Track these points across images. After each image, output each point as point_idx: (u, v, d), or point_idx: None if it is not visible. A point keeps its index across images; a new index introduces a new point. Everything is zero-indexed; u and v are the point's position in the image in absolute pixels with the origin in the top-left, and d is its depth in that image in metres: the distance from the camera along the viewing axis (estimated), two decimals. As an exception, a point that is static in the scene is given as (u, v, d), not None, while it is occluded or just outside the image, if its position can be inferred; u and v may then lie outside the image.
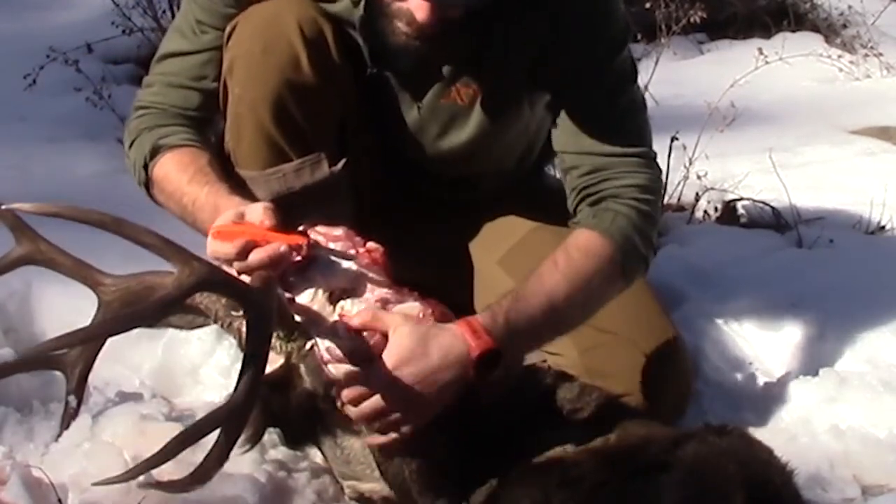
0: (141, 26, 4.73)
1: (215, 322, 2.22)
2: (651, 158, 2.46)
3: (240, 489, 2.23)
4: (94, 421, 2.37)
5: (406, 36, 2.29)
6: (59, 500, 2.19)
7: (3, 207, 2.01)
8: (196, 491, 2.19)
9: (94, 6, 5.24)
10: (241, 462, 2.30)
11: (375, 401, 2.10)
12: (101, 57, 4.86)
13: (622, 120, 2.43)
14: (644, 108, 2.50)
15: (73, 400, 2.28)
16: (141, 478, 1.97)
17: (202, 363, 2.73)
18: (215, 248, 2.11)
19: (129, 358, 2.73)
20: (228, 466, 2.26)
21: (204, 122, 2.48)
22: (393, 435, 2.14)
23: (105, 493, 2.22)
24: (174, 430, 2.28)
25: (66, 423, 2.33)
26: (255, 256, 2.08)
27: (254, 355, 1.96)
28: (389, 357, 2.09)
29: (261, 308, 1.98)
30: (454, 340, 2.12)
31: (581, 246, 2.31)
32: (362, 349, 2.10)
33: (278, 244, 2.09)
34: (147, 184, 2.41)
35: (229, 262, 2.10)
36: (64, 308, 2.74)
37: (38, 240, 2.14)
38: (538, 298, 2.22)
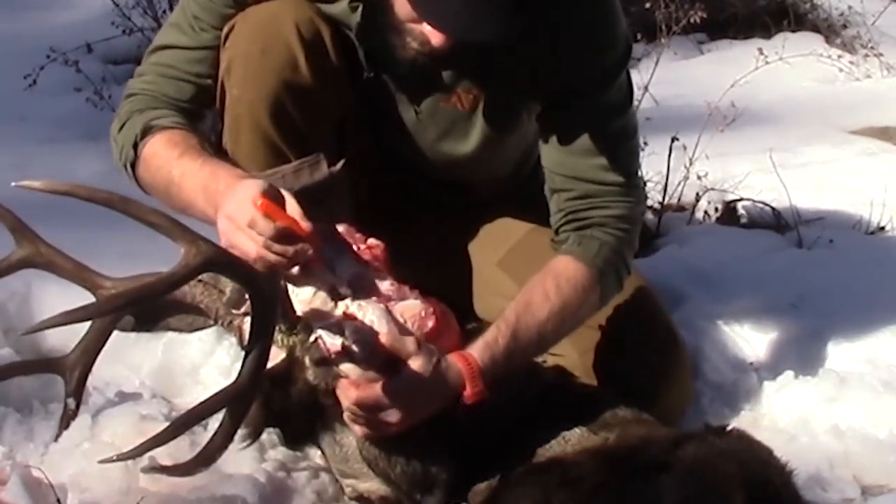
0: (141, 26, 4.73)
1: (215, 321, 2.22)
2: (636, 185, 2.51)
3: (240, 489, 2.23)
4: (94, 421, 2.36)
5: (416, 52, 2.30)
6: (59, 500, 2.19)
7: (14, 184, 2.00)
8: (195, 491, 2.20)
9: (94, 6, 5.24)
10: (241, 462, 2.30)
11: (371, 402, 2.14)
12: (101, 57, 4.85)
13: (614, 147, 2.45)
14: (636, 133, 2.53)
15: (71, 402, 2.28)
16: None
17: (202, 363, 2.72)
18: (255, 219, 2.10)
19: (129, 358, 2.72)
20: (228, 466, 2.28)
21: (194, 114, 2.48)
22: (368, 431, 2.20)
23: (105, 493, 2.23)
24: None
25: (65, 424, 2.33)
26: (290, 248, 2.10)
27: (258, 338, 1.96)
28: (401, 377, 2.14)
29: (266, 290, 1.99)
30: (456, 380, 2.20)
31: (570, 277, 2.37)
32: (377, 362, 2.13)
33: (309, 247, 2.12)
34: (133, 163, 2.40)
35: (257, 233, 2.10)
36: (64, 308, 2.73)
37: (38, 242, 2.14)
38: (531, 334, 2.31)
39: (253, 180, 2.18)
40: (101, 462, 1.98)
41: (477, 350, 2.24)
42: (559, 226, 2.47)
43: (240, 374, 1.95)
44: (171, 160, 2.32)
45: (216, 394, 1.98)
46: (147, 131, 2.38)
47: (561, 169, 2.46)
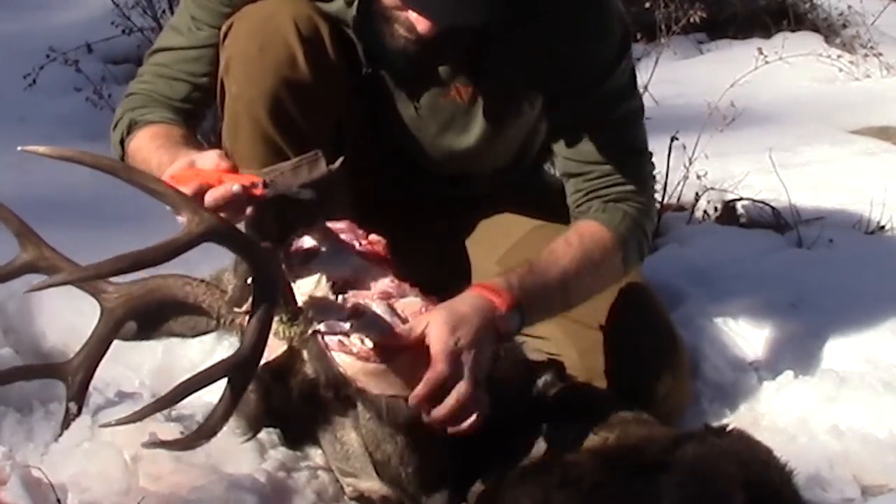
0: (141, 26, 4.73)
1: (217, 321, 2.21)
2: (649, 160, 2.56)
3: (240, 489, 2.23)
4: (93, 421, 2.36)
5: (405, 40, 2.30)
6: (59, 500, 2.19)
7: (20, 148, 2.00)
8: (195, 491, 2.20)
9: (94, 6, 5.25)
10: (241, 462, 2.30)
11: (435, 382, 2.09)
12: (101, 57, 4.87)
13: (625, 128, 2.49)
14: (643, 111, 2.56)
15: (73, 407, 2.27)
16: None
17: (202, 363, 2.71)
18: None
19: (129, 358, 2.72)
20: (228, 466, 2.28)
21: (189, 114, 2.48)
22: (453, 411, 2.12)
23: (105, 493, 2.23)
24: (174, 430, 2.29)
25: (65, 424, 2.33)
26: (210, 197, 2.05)
27: (260, 307, 1.96)
28: (442, 330, 2.09)
29: (266, 262, 1.98)
30: (479, 300, 2.18)
31: (594, 235, 2.39)
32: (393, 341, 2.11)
33: (231, 184, 2.07)
34: (123, 159, 2.41)
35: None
36: (64, 308, 2.74)
37: (42, 246, 2.14)
38: (552, 272, 2.30)
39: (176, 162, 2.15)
40: (102, 426, 1.99)
41: (492, 280, 2.24)
42: (582, 202, 2.48)
43: (241, 344, 1.95)
44: (151, 152, 2.33)
45: (218, 363, 1.97)
46: (133, 126, 2.41)
47: (575, 155, 2.48)
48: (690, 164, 3.78)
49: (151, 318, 2.27)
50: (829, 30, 6.03)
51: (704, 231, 3.70)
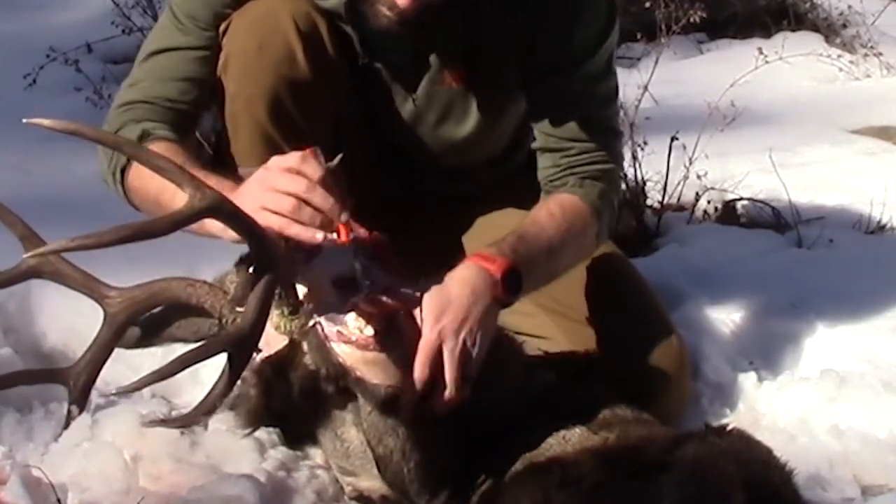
0: (141, 26, 4.74)
1: (220, 322, 2.21)
2: (621, 142, 2.65)
3: (240, 489, 2.23)
4: (93, 421, 2.37)
5: (388, 19, 2.30)
6: (59, 500, 2.19)
7: (24, 121, 1.99)
8: (195, 491, 2.20)
9: (94, 6, 5.25)
10: (241, 462, 2.30)
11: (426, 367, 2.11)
12: (101, 57, 4.86)
13: (605, 106, 2.54)
14: (618, 91, 2.61)
15: (74, 410, 2.27)
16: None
17: (202, 363, 2.72)
18: (307, 157, 2.08)
19: (129, 358, 2.71)
20: (228, 466, 2.28)
21: (190, 116, 2.46)
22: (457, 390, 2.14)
23: (105, 493, 2.23)
24: (174, 430, 2.29)
25: (65, 424, 2.33)
26: (330, 200, 2.07)
27: (260, 282, 1.95)
28: (427, 320, 2.11)
29: (267, 240, 1.98)
30: (472, 272, 2.20)
31: (575, 209, 2.44)
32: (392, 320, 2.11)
33: (336, 203, 2.08)
34: (124, 169, 2.37)
35: (306, 174, 2.08)
36: (64, 308, 2.74)
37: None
38: (540, 241, 2.34)
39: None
40: (106, 396, 1.94)
41: (483, 249, 2.27)
42: (558, 177, 2.51)
43: (240, 320, 1.94)
44: None
45: (216, 337, 1.97)
46: (143, 138, 2.36)
47: (556, 132, 2.51)
48: (690, 164, 3.78)
49: (154, 322, 2.26)
50: (829, 30, 6.04)
51: (704, 231, 3.70)
